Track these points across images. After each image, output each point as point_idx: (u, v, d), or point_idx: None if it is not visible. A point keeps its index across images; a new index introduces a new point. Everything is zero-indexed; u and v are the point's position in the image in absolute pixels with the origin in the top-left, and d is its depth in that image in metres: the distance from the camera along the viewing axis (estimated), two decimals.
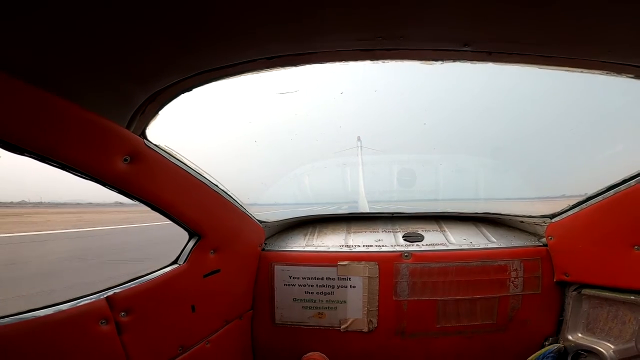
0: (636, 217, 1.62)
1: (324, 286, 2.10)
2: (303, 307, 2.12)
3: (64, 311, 1.18)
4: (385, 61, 1.24)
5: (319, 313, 2.11)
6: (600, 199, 1.73)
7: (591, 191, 1.80)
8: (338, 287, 2.09)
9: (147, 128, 1.38)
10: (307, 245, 2.21)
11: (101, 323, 1.27)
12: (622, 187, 1.64)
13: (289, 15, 0.94)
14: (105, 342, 1.28)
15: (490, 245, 2.09)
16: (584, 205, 1.82)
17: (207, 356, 1.76)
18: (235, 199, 1.85)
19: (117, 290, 1.36)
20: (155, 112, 1.36)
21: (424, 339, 2.06)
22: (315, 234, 2.32)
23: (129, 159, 1.27)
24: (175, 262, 1.66)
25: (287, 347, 2.13)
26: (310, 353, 2.09)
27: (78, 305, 1.23)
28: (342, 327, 2.09)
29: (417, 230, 2.27)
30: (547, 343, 2.01)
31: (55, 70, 1.02)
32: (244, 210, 1.94)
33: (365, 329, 2.07)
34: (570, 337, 1.94)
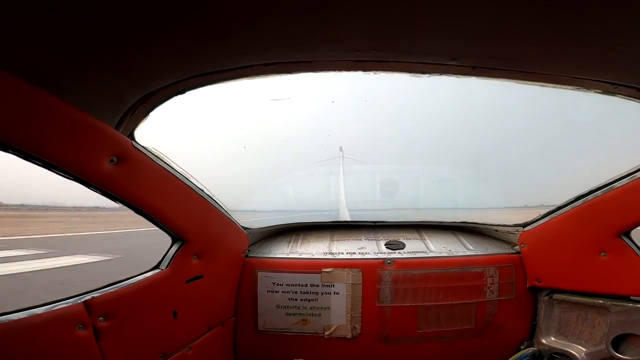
0: (602, 225, 1.75)
1: (307, 293, 2.10)
2: (286, 313, 2.10)
3: (39, 315, 1.12)
4: (377, 72, 1.30)
5: (302, 320, 2.10)
6: (569, 209, 1.86)
7: (562, 201, 1.93)
8: (322, 294, 2.10)
9: (136, 129, 1.36)
10: (290, 252, 2.21)
11: (78, 328, 1.21)
12: (590, 197, 1.77)
13: (289, 23, 0.98)
14: (83, 348, 1.23)
15: (467, 253, 2.17)
16: (554, 215, 1.94)
17: None
18: (221, 204, 1.84)
19: (95, 294, 1.31)
20: (145, 114, 1.35)
21: (406, 344, 2.09)
22: (299, 242, 2.33)
23: (115, 159, 1.24)
24: (157, 266, 1.62)
25: (270, 353, 2.10)
26: None
27: (54, 309, 1.17)
28: (326, 333, 2.09)
29: (398, 239, 2.32)
30: (522, 347, 2.09)
31: (45, 64, 1.00)
32: (229, 216, 1.93)
33: (349, 335, 2.08)
34: (543, 341, 2.03)
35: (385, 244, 2.26)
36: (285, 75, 1.29)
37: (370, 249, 2.22)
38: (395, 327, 2.08)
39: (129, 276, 1.50)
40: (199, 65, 1.20)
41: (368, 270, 2.08)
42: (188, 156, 1.61)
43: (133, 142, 1.33)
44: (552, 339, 2.02)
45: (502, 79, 1.32)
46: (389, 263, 2.09)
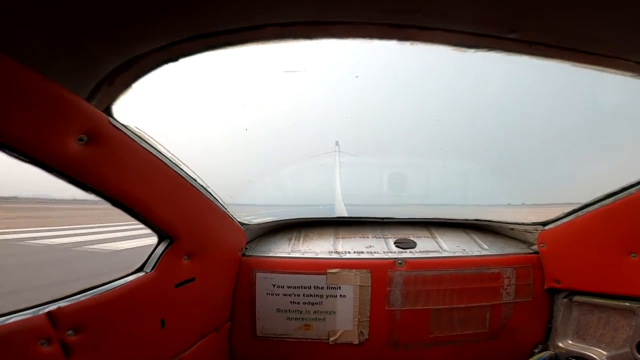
0: (634, 225, 1.62)
1: (311, 295, 1.90)
2: (287, 318, 1.90)
3: None
4: (415, 43, 1.08)
5: (305, 325, 1.91)
6: (598, 207, 1.73)
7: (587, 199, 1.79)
8: (327, 297, 1.91)
9: (115, 103, 1.09)
10: (292, 251, 2.00)
11: (41, 343, 1.00)
12: (622, 194, 1.64)
13: None
14: None
15: (483, 253, 2.03)
16: (580, 213, 1.81)
17: None
18: (216, 197, 1.60)
19: (62, 303, 1.09)
20: (127, 85, 1.08)
21: (417, 350, 1.95)
22: (301, 239, 2.12)
23: (85, 138, 0.98)
24: (140, 269, 1.38)
25: None
26: None
27: (10, 322, 0.96)
28: (331, 339, 1.91)
29: (407, 236, 2.15)
30: (536, 350, 1.99)
31: None
32: (225, 211, 1.69)
33: (356, 341, 1.91)
34: (560, 344, 1.93)
35: (395, 243, 2.09)
36: (303, 40, 1.05)
37: (379, 247, 2.04)
38: (405, 331, 1.92)
39: (106, 281, 1.26)
40: (197, 24, 0.95)
41: (378, 271, 1.90)
42: (179, 139, 1.34)
43: (110, 118, 1.06)
44: (569, 342, 1.92)
45: (558, 60, 1.13)
46: (400, 263, 1.91)
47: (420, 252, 2.01)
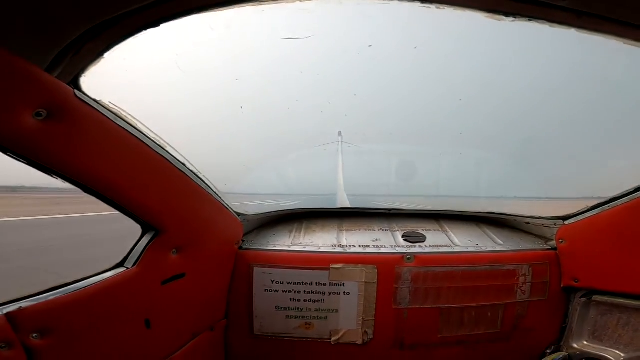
0: None
1: (312, 292, 1.77)
2: (287, 316, 1.78)
3: None
4: (441, 7, 0.90)
5: (306, 323, 1.79)
6: (626, 201, 1.58)
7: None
8: (329, 294, 1.78)
9: (82, 75, 0.92)
10: (293, 244, 1.86)
11: (1, 347, 0.90)
12: None
13: None
14: None
15: (497, 248, 1.89)
16: (605, 207, 1.67)
17: None
18: (209, 184, 1.44)
19: (25, 303, 0.97)
20: (97, 54, 0.91)
21: (424, 350, 1.84)
22: (302, 231, 1.98)
23: (44, 113, 0.83)
24: (120, 265, 1.24)
25: None
26: None
27: None
28: (333, 339, 1.80)
29: (416, 230, 2.01)
30: (549, 351, 1.88)
31: None
32: (219, 199, 1.54)
33: (360, 341, 1.80)
34: (575, 345, 1.82)
35: (403, 236, 1.95)
36: (306, 1, 0.87)
37: (386, 241, 1.90)
38: (412, 331, 1.80)
39: (80, 278, 1.13)
40: None
41: (385, 266, 1.77)
42: (163, 119, 1.17)
43: (76, 92, 0.89)
44: (585, 342, 1.81)
45: (607, 35, 0.96)
46: (408, 259, 1.78)
47: (430, 246, 1.88)
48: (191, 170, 1.32)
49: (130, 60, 1.04)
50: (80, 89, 0.91)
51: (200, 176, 1.38)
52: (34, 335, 0.96)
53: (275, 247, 1.84)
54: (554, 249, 1.87)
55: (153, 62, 1.14)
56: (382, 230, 2.01)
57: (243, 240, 1.84)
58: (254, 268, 1.76)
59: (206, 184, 1.43)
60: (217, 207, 1.55)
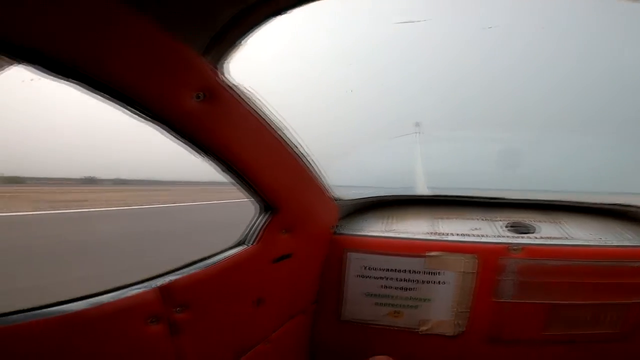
0: None
1: (405, 280, 1.74)
2: (376, 303, 1.78)
3: (99, 306, 0.86)
4: None
5: (395, 311, 1.77)
6: None
7: None
8: (423, 282, 1.73)
9: (226, 61, 1.01)
10: (386, 230, 1.84)
11: (150, 322, 0.94)
12: None
13: None
14: (154, 349, 0.96)
15: (625, 243, 1.65)
16: None
17: (266, 358, 1.44)
18: (315, 166, 1.48)
19: (172, 277, 1.03)
20: (239, 40, 0.99)
21: (523, 347, 1.70)
22: (395, 218, 1.95)
23: (202, 95, 0.91)
24: (242, 242, 1.33)
25: (352, 347, 1.82)
26: (378, 356, 1.77)
27: (120, 298, 0.90)
28: (421, 328, 1.75)
29: (522, 220, 1.85)
30: None
31: None
32: (322, 183, 1.58)
33: (450, 333, 1.72)
34: None
35: (508, 226, 1.81)
36: None
37: (488, 230, 1.78)
38: (512, 326, 1.68)
39: (209, 255, 1.21)
40: None
41: (487, 256, 1.66)
42: (280, 101, 1.23)
43: (223, 76, 0.99)
44: None
45: None
46: (515, 249, 1.64)
47: (542, 238, 1.72)
48: (302, 152, 1.37)
49: (251, 48, 1.12)
50: (224, 74, 1.00)
51: (309, 159, 1.42)
52: (177, 309, 1.01)
53: (368, 233, 1.84)
54: None
55: (274, 48, 1.21)
56: (482, 219, 1.88)
57: (338, 225, 1.87)
58: (348, 253, 1.78)
59: (312, 166, 1.48)
60: (320, 190, 1.59)
